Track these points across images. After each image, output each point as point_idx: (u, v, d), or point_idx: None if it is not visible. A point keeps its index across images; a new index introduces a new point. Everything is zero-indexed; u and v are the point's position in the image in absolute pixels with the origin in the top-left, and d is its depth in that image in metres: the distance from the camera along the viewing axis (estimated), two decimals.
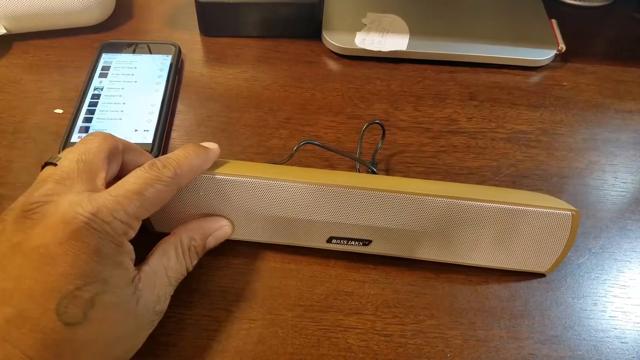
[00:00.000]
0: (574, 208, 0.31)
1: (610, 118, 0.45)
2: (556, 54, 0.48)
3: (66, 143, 0.38)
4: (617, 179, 0.41)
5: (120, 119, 0.40)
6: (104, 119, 0.40)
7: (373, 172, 0.38)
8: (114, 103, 0.41)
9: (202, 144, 0.32)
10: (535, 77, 0.48)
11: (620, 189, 0.40)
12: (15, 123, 0.41)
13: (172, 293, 0.30)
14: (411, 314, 0.33)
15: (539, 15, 0.52)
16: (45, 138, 0.40)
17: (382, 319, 0.32)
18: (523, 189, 0.39)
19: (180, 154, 0.30)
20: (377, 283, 0.34)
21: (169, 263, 0.30)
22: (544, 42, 0.49)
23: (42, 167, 0.28)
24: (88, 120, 0.40)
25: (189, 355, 0.30)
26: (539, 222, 0.31)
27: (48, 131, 0.41)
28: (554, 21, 0.51)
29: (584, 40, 0.52)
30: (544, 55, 0.48)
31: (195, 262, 0.32)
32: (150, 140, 0.39)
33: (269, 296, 0.33)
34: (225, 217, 0.33)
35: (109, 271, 0.25)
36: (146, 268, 0.28)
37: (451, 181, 0.39)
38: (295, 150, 0.37)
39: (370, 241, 0.33)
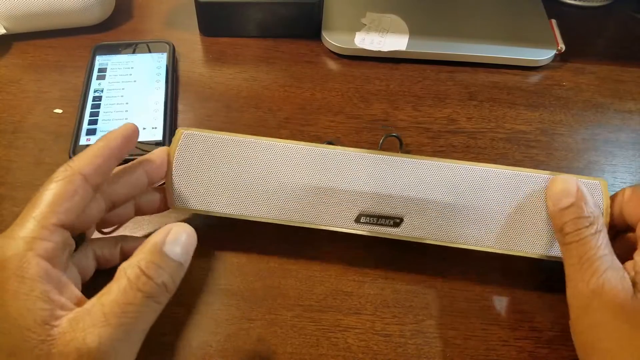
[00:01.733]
0: (602, 178, 0.32)
1: (610, 118, 0.45)
2: (556, 54, 0.48)
3: (75, 146, 0.38)
4: (616, 179, 0.41)
5: (126, 118, 0.40)
6: (109, 119, 0.40)
7: None
8: (117, 104, 0.41)
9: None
10: (534, 77, 0.48)
11: (619, 189, 0.40)
12: (14, 123, 0.41)
13: (125, 336, 0.23)
14: (410, 314, 0.33)
15: (539, 15, 0.52)
16: (45, 138, 0.40)
17: (382, 318, 0.32)
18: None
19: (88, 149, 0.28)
20: (376, 283, 0.34)
21: (108, 297, 0.23)
22: (544, 42, 0.49)
23: None
24: (93, 122, 0.40)
25: (187, 355, 0.30)
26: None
27: (48, 131, 0.41)
28: (553, 21, 0.51)
29: (583, 40, 0.52)
30: (544, 55, 0.48)
31: (161, 277, 0.24)
32: (160, 137, 0.39)
33: (268, 296, 0.33)
34: (171, 224, 0.26)
35: (3, 306, 0.22)
36: (76, 310, 0.23)
37: None
38: None
39: (401, 220, 0.32)
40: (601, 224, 0.29)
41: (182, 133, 0.32)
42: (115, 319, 0.23)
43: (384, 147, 0.41)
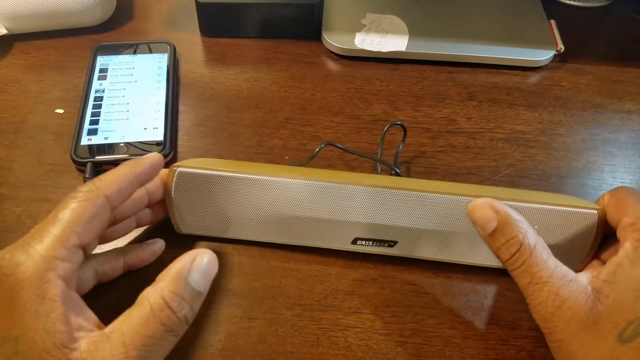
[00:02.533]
0: (598, 207, 0.31)
1: (609, 118, 0.45)
2: (555, 55, 0.48)
3: (76, 146, 0.38)
4: (615, 179, 0.41)
5: (127, 119, 0.40)
6: (110, 120, 0.40)
7: (397, 174, 0.38)
8: (118, 104, 0.41)
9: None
10: (534, 78, 0.48)
11: None
12: (16, 123, 0.42)
13: None
14: (410, 313, 0.33)
15: (538, 15, 0.52)
16: (46, 138, 0.41)
17: (382, 318, 0.32)
18: (523, 189, 0.39)
19: (109, 172, 0.28)
20: (376, 282, 0.34)
21: (130, 326, 0.23)
22: (543, 42, 0.49)
23: None
24: (95, 122, 0.40)
25: (188, 355, 0.30)
26: (567, 221, 0.31)
27: (49, 131, 0.41)
28: (552, 21, 0.51)
29: (582, 41, 0.52)
30: (543, 55, 0.48)
31: (183, 311, 0.24)
32: (161, 137, 0.39)
33: (268, 295, 0.33)
34: (196, 250, 0.26)
35: (22, 326, 0.22)
36: (95, 334, 0.23)
37: (450, 181, 0.39)
38: (317, 151, 0.38)
39: (395, 242, 0.33)
40: (533, 237, 0.27)
41: (176, 172, 0.32)
42: (135, 351, 0.22)
43: (387, 138, 0.41)
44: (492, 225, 0.28)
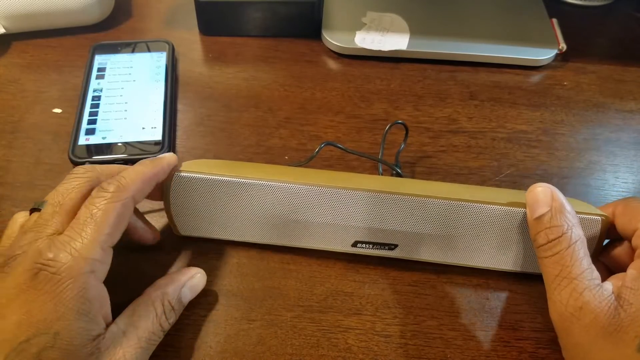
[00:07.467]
0: (603, 213, 0.30)
1: (611, 118, 0.45)
2: (557, 54, 0.48)
3: (74, 146, 0.38)
4: (617, 179, 0.40)
5: (126, 118, 0.40)
6: (108, 119, 0.40)
7: (398, 174, 0.37)
8: (116, 103, 0.41)
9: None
10: (535, 77, 0.48)
11: (621, 189, 0.40)
12: (13, 122, 0.41)
13: (145, 357, 0.27)
14: (411, 315, 0.32)
15: (540, 14, 0.51)
16: (44, 137, 0.40)
17: (382, 319, 0.32)
18: (524, 190, 0.39)
19: (127, 169, 0.29)
20: (377, 283, 0.34)
21: (140, 322, 0.27)
22: (545, 41, 0.49)
23: (30, 212, 0.29)
24: (93, 122, 0.40)
25: (187, 356, 0.30)
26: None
27: (46, 130, 0.41)
28: (554, 20, 0.51)
29: (584, 40, 0.51)
30: (545, 54, 0.48)
31: (172, 319, 0.29)
32: (159, 137, 0.39)
33: (268, 296, 0.33)
34: (195, 268, 0.32)
35: (64, 323, 0.24)
36: (113, 327, 0.26)
37: (451, 181, 0.39)
38: (317, 152, 0.37)
39: (395, 245, 0.33)
40: (577, 234, 0.27)
41: (174, 176, 0.31)
42: (145, 343, 0.27)
43: (388, 137, 0.41)
44: (543, 210, 0.28)
